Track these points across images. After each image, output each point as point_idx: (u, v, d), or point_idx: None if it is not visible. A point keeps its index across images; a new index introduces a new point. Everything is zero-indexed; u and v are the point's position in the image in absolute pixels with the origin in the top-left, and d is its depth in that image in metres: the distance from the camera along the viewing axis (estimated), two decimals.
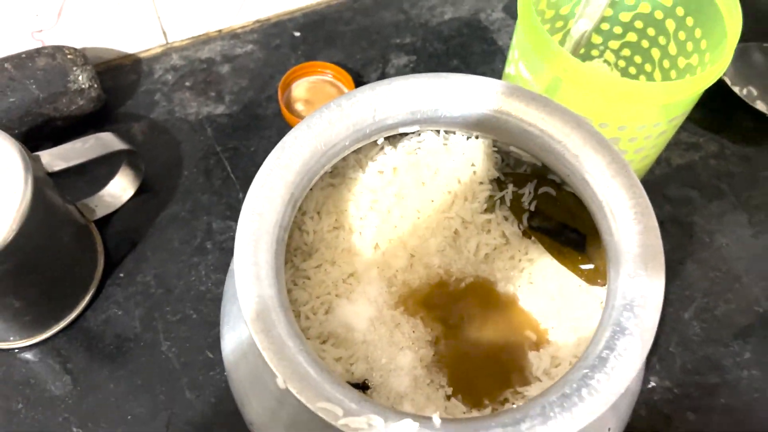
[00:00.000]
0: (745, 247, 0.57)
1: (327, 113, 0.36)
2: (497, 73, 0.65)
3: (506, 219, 0.46)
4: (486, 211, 0.44)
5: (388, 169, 0.41)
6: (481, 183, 0.43)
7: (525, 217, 0.47)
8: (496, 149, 0.43)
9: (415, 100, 0.37)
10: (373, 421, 0.32)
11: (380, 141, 0.40)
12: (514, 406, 0.41)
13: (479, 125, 0.39)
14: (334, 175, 0.43)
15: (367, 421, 0.32)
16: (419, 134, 0.42)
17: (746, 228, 0.58)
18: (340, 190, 0.42)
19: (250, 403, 0.40)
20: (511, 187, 0.44)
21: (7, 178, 0.43)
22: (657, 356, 0.52)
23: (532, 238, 0.48)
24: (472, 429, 0.32)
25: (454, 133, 0.42)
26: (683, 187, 0.60)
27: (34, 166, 0.44)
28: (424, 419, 0.32)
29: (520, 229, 0.48)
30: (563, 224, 0.46)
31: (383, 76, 0.64)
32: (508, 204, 0.45)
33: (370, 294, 0.42)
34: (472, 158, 0.42)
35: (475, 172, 0.42)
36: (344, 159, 0.42)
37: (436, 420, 0.33)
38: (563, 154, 0.39)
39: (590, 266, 0.45)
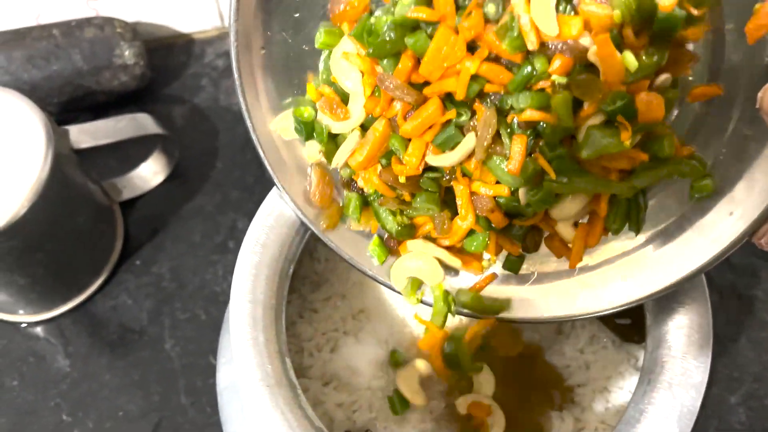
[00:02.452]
0: None
1: None
2: None
3: None
4: None
5: None
6: None
7: None
8: None
9: None
10: None
11: None
12: None
13: None
14: None
15: None
16: None
17: None
18: None
19: None
20: None
21: (28, 151, 0.41)
22: None
23: None
24: None
25: None
26: (750, 255, 0.54)
27: (58, 142, 0.42)
28: None
29: None
30: None
31: None
32: None
33: (381, 334, 0.38)
34: None
35: None
36: None
37: None
38: None
39: (627, 321, 0.41)
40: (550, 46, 0.26)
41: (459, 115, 0.30)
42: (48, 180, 0.41)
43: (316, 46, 0.33)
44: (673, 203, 0.33)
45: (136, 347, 0.48)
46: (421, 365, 0.38)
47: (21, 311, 0.48)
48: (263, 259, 0.33)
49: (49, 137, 0.42)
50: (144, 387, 0.47)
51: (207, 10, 0.59)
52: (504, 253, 0.34)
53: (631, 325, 0.42)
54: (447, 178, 0.31)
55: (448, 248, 0.33)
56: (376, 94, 0.31)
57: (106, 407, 0.46)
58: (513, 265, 0.35)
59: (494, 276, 0.35)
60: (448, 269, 0.34)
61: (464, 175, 0.31)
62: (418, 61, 0.29)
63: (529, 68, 0.26)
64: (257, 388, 0.30)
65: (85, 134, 0.46)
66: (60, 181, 0.42)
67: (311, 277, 0.40)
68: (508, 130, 0.28)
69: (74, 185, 0.45)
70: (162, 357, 0.48)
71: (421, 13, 0.28)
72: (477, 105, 0.29)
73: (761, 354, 0.50)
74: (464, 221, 0.31)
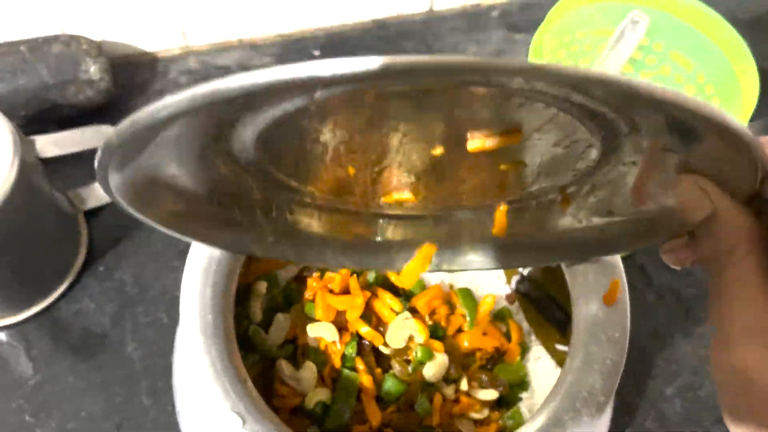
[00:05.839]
0: None
1: None
2: None
3: (498, 278, 0.45)
4: None
5: None
6: None
7: (515, 279, 0.45)
8: None
9: None
10: None
11: None
12: None
13: None
14: None
15: None
16: None
17: None
18: None
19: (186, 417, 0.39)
20: None
21: None
22: (631, 430, 0.50)
23: (516, 302, 0.47)
24: None
25: None
26: None
27: (24, 150, 0.44)
28: None
29: (507, 289, 0.47)
30: (551, 297, 0.44)
31: None
32: None
33: None
34: None
35: None
36: None
37: None
38: None
39: (565, 348, 0.43)
40: None
41: None
42: (14, 186, 0.42)
43: None
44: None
45: (98, 350, 0.50)
46: None
47: None
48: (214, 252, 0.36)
49: (16, 145, 0.43)
50: (106, 388, 0.48)
51: (171, 29, 0.62)
52: None
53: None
54: None
55: None
56: None
57: (69, 408, 0.47)
58: None
59: None
60: None
61: None
62: None
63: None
64: (194, 336, 0.32)
65: (50, 144, 0.48)
66: (26, 188, 0.44)
67: None
68: None
69: (40, 192, 0.47)
70: (124, 359, 0.49)
71: None
72: None
73: (697, 348, 0.53)
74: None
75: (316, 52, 0.66)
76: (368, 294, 0.40)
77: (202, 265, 0.34)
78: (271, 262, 0.43)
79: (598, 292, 0.36)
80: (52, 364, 0.49)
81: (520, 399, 0.44)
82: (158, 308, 0.51)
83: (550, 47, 0.51)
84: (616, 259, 0.37)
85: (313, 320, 0.40)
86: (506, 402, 0.43)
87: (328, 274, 0.42)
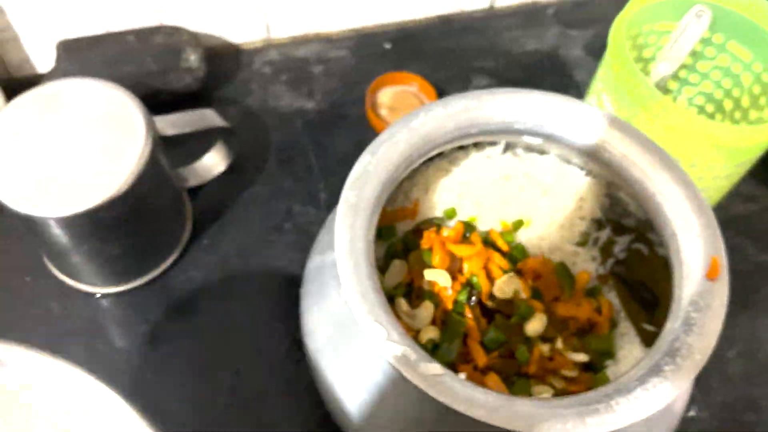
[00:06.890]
0: None
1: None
2: None
3: (593, 258, 0.49)
4: (577, 244, 0.48)
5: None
6: (582, 218, 0.47)
7: (610, 261, 0.49)
8: (607, 194, 0.46)
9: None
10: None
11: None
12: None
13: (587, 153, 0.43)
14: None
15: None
16: (542, 153, 0.47)
17: None
18: None
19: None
20: (608, 232, 0.47)
21: (131, 134, 0.47)
22: (698, 388, 0.54)
23: (610, 282, 0.51)
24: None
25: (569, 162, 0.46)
26: (738, 235, 0.62)
27: (153, 129, 0.49)
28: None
29: (602, 270, 0.50)
30: (642, 282, 0.48)
31: None
32: (600, 245, 0.48)
33: None
34: (582, 193, 0.46)
35: (581, 207, 0.46)
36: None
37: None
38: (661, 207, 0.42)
39: (652, 328, 0.46)
40: None
41: None
42: (148, 160, 0.47)
43: None
44: None
45: (208, 314, 0.54)
46: None
47: (98, 283, 0.54)
48: (377, 169, 0.39)
49: (148, 123, 0.48)
50: (217, 349, 0.53)
51: (255, 23, 0.66)
52: None
53: (655, 334, 0.47)
54: None
55: None
56: None
57: (185, 367, 0.52)
58: None
59: None
60: None
61: None
62: None
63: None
64: (343, 258, 0.36)
65: (167, 124, 0.52)
66: (154, 162, 0.48)
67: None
68: None
69: (162, 167, 0.51)
70: (232, 323, 0.54)
71: None
72: None
73: (753, 318, 0.58)
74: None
75: (388, 45, 0.70)
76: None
77: (352, 201, 0.38)
78: (393, 215, 0.48)
79: (701, 268, 0.39)
80: (166, 328, 0.53)
81: (606, 366, 0.48)
82: (259, 277, 0.56)
83: (620, 38, 0.55)
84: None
85: (429, 267, 0.45)
86: (593, 368, 0.47)
87: (445, 228, 0.46)
